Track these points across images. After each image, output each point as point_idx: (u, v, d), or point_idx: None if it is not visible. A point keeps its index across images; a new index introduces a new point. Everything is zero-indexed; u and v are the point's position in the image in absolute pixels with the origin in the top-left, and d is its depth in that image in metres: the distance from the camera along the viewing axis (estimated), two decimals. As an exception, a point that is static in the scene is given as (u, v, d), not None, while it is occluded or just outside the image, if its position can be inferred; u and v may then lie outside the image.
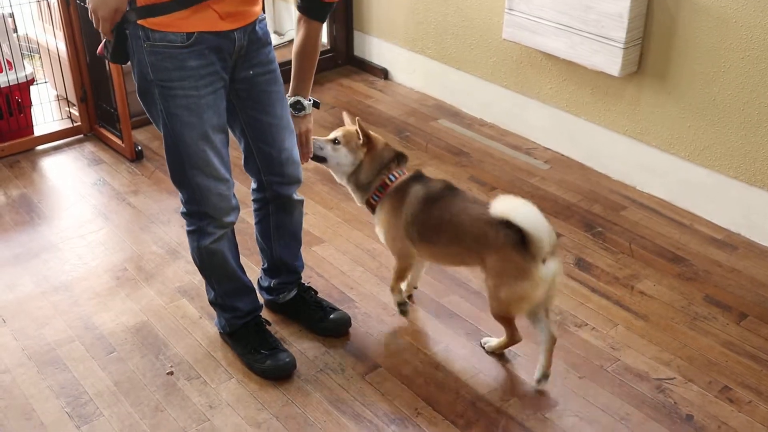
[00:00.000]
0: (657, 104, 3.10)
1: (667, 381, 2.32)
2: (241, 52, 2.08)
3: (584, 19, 3.05)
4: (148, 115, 2.11)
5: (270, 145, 2.23)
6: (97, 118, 3.67)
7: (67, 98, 3.83)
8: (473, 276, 2.75)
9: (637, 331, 2.51)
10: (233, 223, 2.25)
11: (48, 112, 3.75)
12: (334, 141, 2.43)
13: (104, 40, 2.01)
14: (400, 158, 2.46)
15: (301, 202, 2.43)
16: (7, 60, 3.43)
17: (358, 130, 2.40)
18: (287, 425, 2.19)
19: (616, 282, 2.73)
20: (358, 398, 2.27)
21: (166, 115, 2.04)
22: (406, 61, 4.14)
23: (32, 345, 2.48)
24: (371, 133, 2.44)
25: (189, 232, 2.25)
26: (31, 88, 3.59)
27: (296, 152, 2.31)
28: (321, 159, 2.45)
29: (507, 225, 2.13)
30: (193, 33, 1.96)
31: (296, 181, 2.34)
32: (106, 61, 3.38)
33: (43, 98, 3.80)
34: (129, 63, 2.05)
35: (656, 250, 2.88)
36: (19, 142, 3.55)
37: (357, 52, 4.40)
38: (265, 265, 2.52)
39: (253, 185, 2.37)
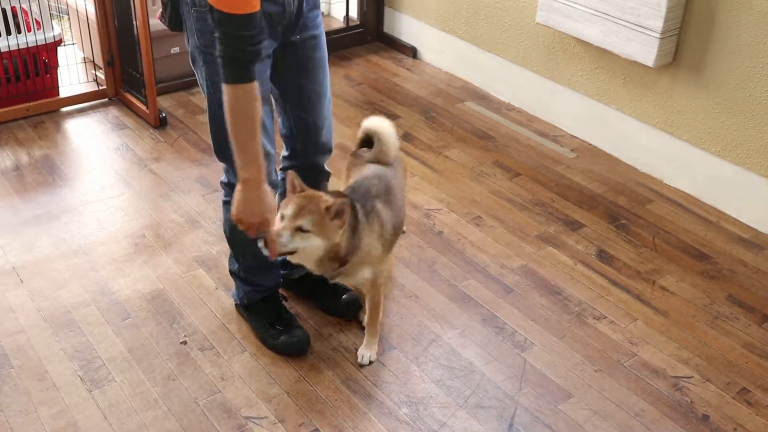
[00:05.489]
0: (691, 97, 3.03)
1: (684, 379, 2.29)
2: (291, 18, 2.05)
3: (621, 7, 2.98)
4: (199, 83, 2.10)
5: (307, 112, 2.22)
6: (123, 83, 3.65)
7: (93, 61, 3.81)
8: (491, 261, 2.72)
9: (656, 327, 2.47)
10: None
11: (74, 74, 3.74)
12: (300, 229, 1.99)
13: (163, 4, 1.98)
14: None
15: (329, 174, 2.42)
16: (35, 20, 3.42)
17: (328, 206, 2.00)
18: (298, 401, 2.18)
19: (637, 276, 2.68)
20: (370, 378, 2.26)
21: (209, 82, 2.03)
22: (436, 40, 4.09)
23: (48, 306, 2.49)
24: (331, 198, 2.06)
25: (225, 203, 2.23)
26: (58, 49, 3.57)
27: (331, 120, 2.31)
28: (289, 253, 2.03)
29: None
30: None
31: (329, 150, 2.35)
32: (134, 26, 3.36)
33: (70, 60, 3.79)
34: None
35: (680, 246, 2.83)
36: (44, 102, 3.55)
37: (386, 29, 4.35)
38: None
39: (285, 152, 2.34)
